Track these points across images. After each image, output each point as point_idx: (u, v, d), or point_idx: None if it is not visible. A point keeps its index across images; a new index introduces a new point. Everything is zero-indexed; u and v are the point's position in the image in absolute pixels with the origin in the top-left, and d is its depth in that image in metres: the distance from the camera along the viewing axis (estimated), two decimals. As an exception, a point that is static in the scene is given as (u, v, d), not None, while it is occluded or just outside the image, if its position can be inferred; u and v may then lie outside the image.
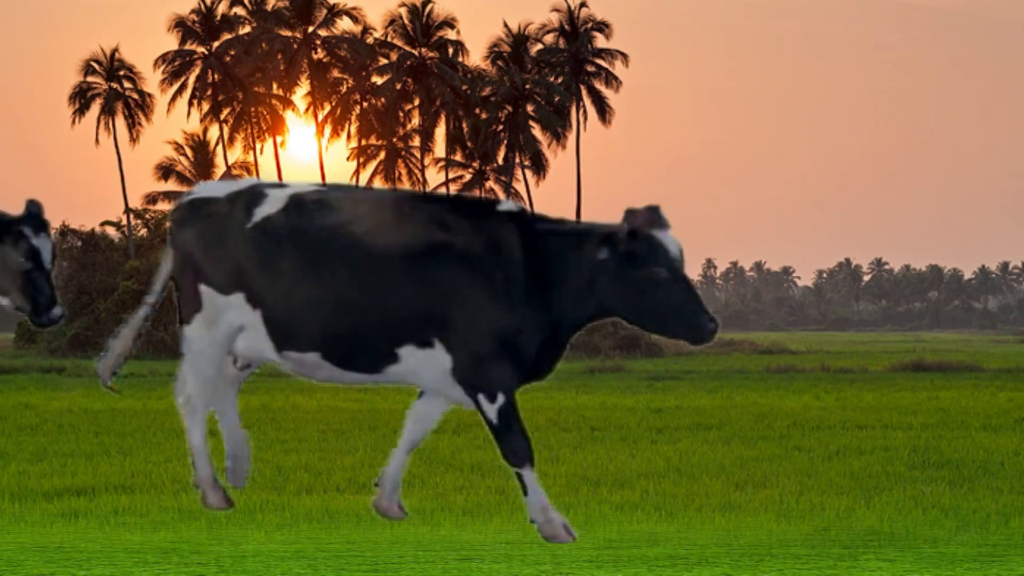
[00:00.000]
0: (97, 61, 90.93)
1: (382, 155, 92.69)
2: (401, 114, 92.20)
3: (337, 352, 8.26)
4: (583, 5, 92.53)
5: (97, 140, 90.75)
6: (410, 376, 8.28)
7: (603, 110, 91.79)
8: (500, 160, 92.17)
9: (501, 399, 8.13)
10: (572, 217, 8.79)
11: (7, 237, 8.67)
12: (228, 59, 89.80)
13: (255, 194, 8.49)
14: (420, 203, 8.35)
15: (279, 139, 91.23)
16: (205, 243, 8.45)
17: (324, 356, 8.29)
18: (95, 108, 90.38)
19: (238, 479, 8.89)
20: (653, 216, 8.11)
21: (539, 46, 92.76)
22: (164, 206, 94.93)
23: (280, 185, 8.60)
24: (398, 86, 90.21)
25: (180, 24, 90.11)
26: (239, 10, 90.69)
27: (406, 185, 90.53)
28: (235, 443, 8.87)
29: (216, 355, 8.53)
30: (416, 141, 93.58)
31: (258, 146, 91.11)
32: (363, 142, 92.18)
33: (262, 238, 8.31)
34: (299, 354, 8.33)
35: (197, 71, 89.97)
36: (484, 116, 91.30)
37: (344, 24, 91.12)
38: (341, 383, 8.63)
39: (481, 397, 8.14)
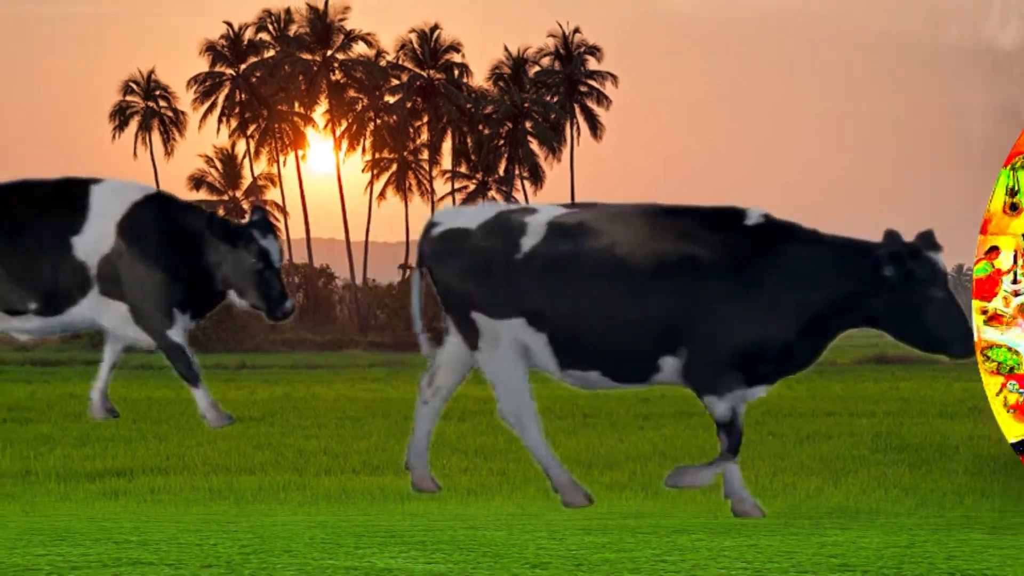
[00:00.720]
0: (135, 82, 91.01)
1: (394, 167, 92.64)
2: (411, 130, 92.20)
3: (613, 368, 8.15)
4: (577, 31, 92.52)
5: (135, 154, 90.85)
6: (669, 380, 8.21)
7: (595, 127, 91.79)
8: (501, 172, 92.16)
9: (729, 399, 8.09)
10: None
11: (240, 242, 8.72)
12: (254, 80, 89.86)
13: (512, 224, 8.22)
14: (670, 217, 8.14)
15: (300, 153, 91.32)
16: (471, 275, 8.20)
17: (604, 373, 8.19)
18: (133, 125, 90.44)
19: (424, 483, 8.83)
20: (930, 239, 8.14)
21: (536, 68, 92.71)
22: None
23: (527, 210, 8.35)
24: (408, 104, 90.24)
25: (210, 48, 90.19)
26: (264, 35, 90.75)
27: (415, 195, 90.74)
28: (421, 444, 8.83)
29: (513, 364, 8.28)
30: (425, 155, 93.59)
31: (281, 159, 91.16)
32: (377, 155, 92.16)
33: (535, 268, 8.08)
34: (582, 372, 8.23)
35: (226, 91, 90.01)
36: (486, 132, 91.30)
37: (359, 48, 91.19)
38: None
39: (710, 398, 8.10)
